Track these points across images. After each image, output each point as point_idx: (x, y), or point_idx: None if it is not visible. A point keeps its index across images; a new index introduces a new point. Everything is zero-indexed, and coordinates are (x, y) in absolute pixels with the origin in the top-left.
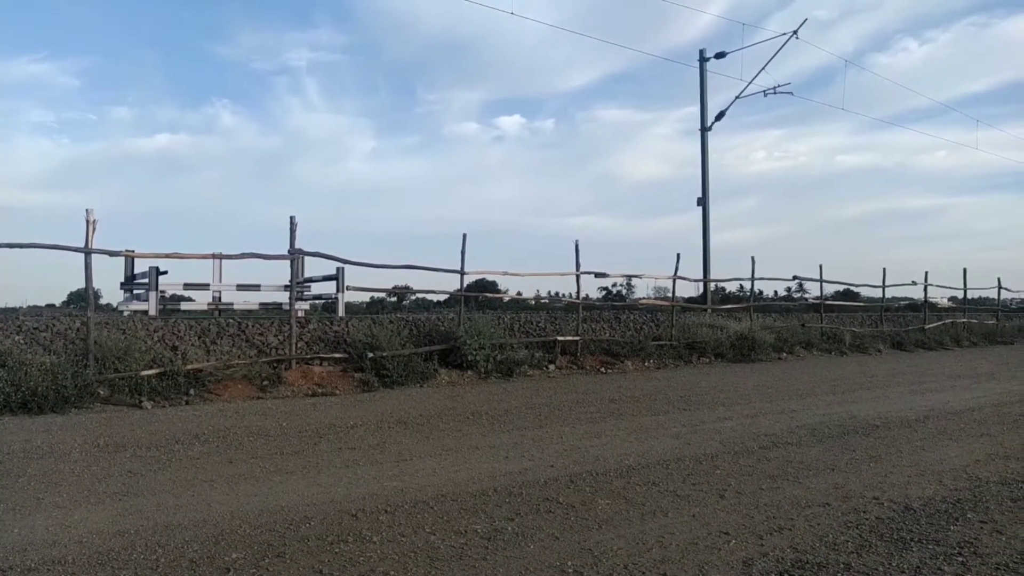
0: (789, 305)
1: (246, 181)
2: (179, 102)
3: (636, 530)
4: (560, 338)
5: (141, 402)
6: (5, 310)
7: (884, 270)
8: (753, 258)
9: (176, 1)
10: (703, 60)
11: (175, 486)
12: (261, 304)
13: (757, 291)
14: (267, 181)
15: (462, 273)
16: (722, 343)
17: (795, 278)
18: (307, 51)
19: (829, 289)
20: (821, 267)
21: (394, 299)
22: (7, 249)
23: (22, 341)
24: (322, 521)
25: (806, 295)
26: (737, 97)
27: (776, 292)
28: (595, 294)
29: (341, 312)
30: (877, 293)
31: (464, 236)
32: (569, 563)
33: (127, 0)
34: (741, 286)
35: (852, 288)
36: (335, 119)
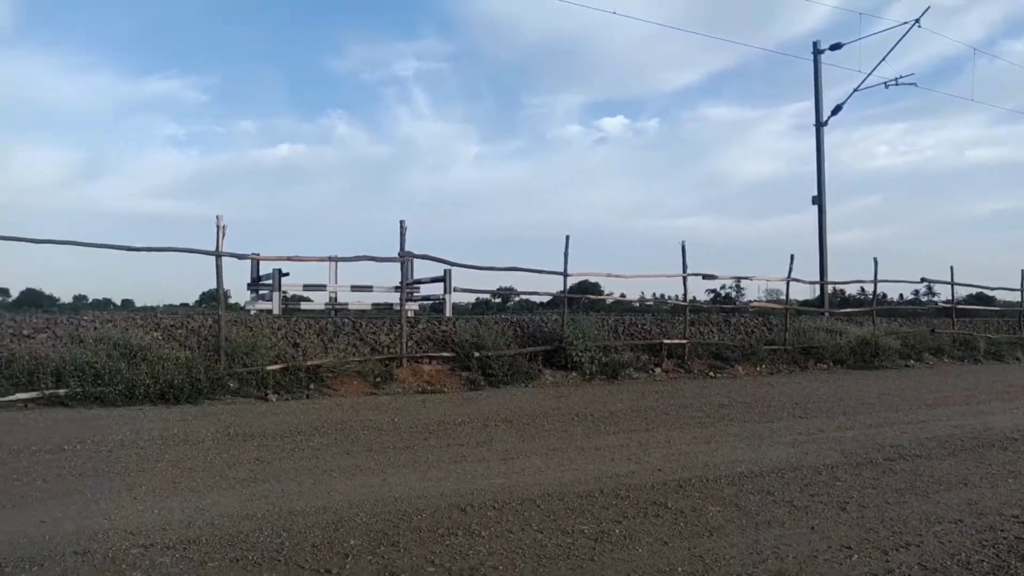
0: (916, 309)
1: (359, 188)
2: (298, 114)
3: (749, 539)
4: (666, 341)
5: (267, 395)
6: (144, 308)
7: (1023, 271)
8: (876, 259)
9: (292, 19)
10: (817, 52)
11: (298, 474)
12: (373, 304)
13: (880, 294)
14: (379, 187)
15: (565, 275)
16: (841, 348)
17: (923, 280)
18: (414, 61)
19: (961, 292)
20: (952, 268)
21: (498, 300)
22: (147, 252)
23: (160, 337)
24: (432, 514)
25: (935, 298)
26: (855, 90)
27: (901, 295)
28: (702, 296)
29: (448, 312)
30: (1015, 296)
31: (567, 238)
32: (679, 569)
33: (248, 19)
34: (862, 288)
35: (986, 291)
36: (441, 126)
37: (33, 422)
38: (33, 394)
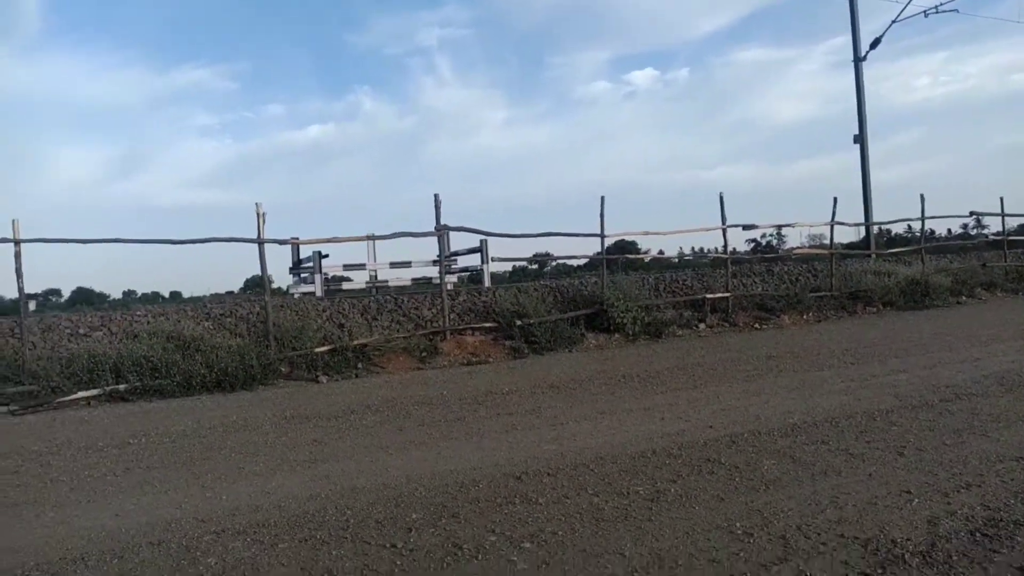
0: (966, 244)
1: (389, 162)
2: (325, 94)
3: (807, 491)
4: (709, 296)
5: (317, 377)
6: (192, 299)
7: None
8: (922, 195)
9: None
10: None
11: (355, 452)
12: (412, 279)
13: (928, 231)
14: (408, 161)
15: (602, 236)
16: (890, 290)
17: (972, 214)
18: (437, 29)
19: (1012, 223)
20: (1002, 199)
21: (535, 267)
22: (192, 244)
23: (211, 327)
24: (489, 484)
25: (985, 231)
26: (894, 21)
27: (950, 230)
28: (742, 247)
29: (487, 283)
30: None
31: (602, 199)
32: (738, 524)
33: (271, 4)
34: (909, 227)
35: None
36: (467, 93)
37: (97, 419)
38: (95, 391)
